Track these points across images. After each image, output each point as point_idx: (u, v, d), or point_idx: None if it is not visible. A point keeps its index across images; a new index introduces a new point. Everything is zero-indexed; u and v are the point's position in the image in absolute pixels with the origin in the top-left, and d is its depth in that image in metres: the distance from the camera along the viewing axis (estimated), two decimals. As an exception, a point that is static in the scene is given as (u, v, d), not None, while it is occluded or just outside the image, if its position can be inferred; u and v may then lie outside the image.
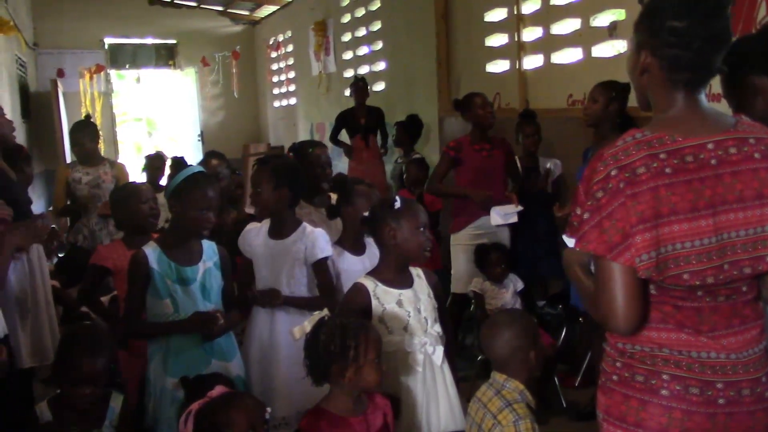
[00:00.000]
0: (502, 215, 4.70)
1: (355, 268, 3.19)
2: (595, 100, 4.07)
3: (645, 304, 1.74)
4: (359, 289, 2.64)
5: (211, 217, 2.83)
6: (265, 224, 3.18)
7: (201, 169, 2.95)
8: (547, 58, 5.56)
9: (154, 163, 6.16)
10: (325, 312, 2.31)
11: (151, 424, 2.85)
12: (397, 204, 2.64)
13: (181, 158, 3.01)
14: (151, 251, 2.83)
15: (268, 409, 2.09)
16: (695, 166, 1.68)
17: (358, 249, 3.29)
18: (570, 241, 1.85)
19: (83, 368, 2.46)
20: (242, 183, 5.20)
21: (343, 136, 7.54)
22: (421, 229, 2.63)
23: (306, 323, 2.28)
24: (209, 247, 2.95)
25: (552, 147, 5.18)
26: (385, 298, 2.60)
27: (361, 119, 7.23)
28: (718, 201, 1.68)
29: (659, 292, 1.75)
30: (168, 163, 6.12)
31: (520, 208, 4.71)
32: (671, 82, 1.77)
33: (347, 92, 8.47)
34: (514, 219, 4.70)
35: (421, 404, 2.61)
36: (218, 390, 2.13)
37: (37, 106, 9.85)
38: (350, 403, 2.25)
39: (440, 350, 2.65)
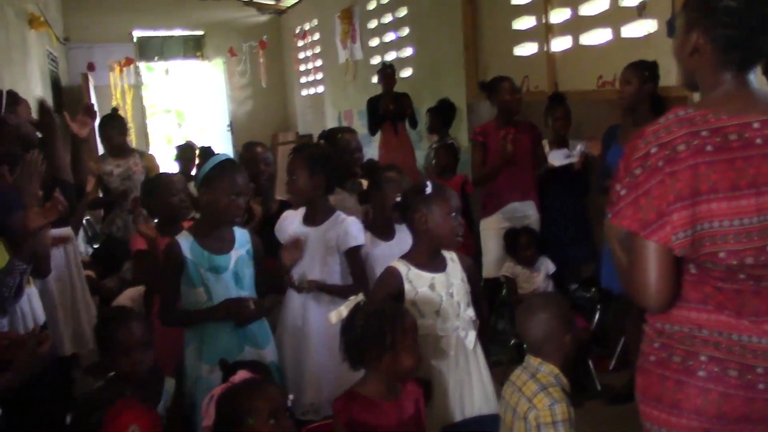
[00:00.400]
0: (563, 154, 4.68)
1: (383, 253, 3.20)
2: (628, 81, 4.02)
3: (676, 282, 1.74)
4: (392, 273, 2.64)
5: (242, 203, 2.85)
6: (301, 211, 3.20)
7: (229, 156, 2.97)
8: (576, 39, 5.49)
9: (185, 153, 6.22)
10: (361, 297, 2.31)
11: (188, 412, 2.90)
12: (428, 189, 2.63)
13: (209, 148, 3.04)
14: (184, 240, 2.86)
15: (290, 397, 2.10)
16: (739, 145, 1.66)
17: (388, 235, 3.30)
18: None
19: (121, 337, 2.50)
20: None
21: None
22: (453, 214, 2.63)
23: (343, 308, 2.29)
24: (242, 235, 2.97)
25: (581, 129, 5.13)
26: (417, 282, 2.61)
27: (389, 106, 7.21)
28: (762, 181, 1.66)
29: (699, 272, 1.74)
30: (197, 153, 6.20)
31: (576, 154, 4.70)
32: (722, 63, 1.75)
33: (374, 79, 8.46)
34: (575, 158, 4.69)
35: (454, 388, 2.62)
36: (241, 376, 2.14)
37: (69, 100, 9.96)
38: (384, 387, 2.26)
39: (473, 334, 2.65)
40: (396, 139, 7.22)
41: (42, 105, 3.78)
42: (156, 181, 3.70)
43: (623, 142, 4.05)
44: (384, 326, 2.20)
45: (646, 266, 1.70)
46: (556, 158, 4.72)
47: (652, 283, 1.70)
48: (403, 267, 2.64)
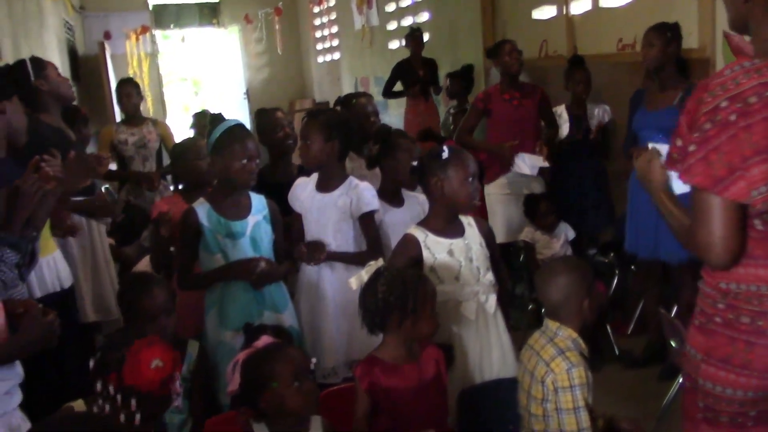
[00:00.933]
0: (529, 165, 4.68)
1: (395, 219, 3.19)
2: (650, 44, 3.95)
3: (743, 240, 1.71)
4: (409, 241, 2.64)
5: (254, 167, 2.86)
6: (313, 178, 3.19)
7: (238, 121, 2.97)
8: (596, 1, 5.40)
9: (201, 120, 6.22)
10: (381, 263, 2.32)
11: (209, 377, 2.93)
12: (445, 154, 2.62)
13: (219, 114, 3.02)
14: (201, 208, 2.87)
15: (313, 360, 2.12)
16: None
17: (397, 202, 3.29)
18: (673, 176, 1.83)
19: (146, 303, 2.54)
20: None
21: (398, 87, 7.43)
22: (470, 179, 2.61)
23: (363, 273, 2.29)
24: (258, 201, 2.98)
25: (600, 93, 5.07)
26: (435, 249, 2.61)
27: (419, 71, 7.15)
28: None
29: (766, 227, 1.72)
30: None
31: (546, 164, 4.70)
32: None
33: (391, 45, 8.40)
34: (536, 172, 4.71)
35: (474, 353, 2.64)
36: (264, 340, 2.16)
37: (86, 69, 9.98)
38: (403, 351, 2.27)
39: (493, 299, 2.66)
40: (424, 105, 7.17)
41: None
42: (184, 146, 3.71)
43: (649, 106, 4.01)
44: (405, 292, 2.21)
45: (713, 223, 1.68)
46: (522, 164, 4.71)
47: (720, 241, 1.68)
48: (420, 234, 2.63)
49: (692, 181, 1.70)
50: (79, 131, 4.32)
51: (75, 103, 4.38)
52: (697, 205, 1.71)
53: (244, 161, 2.81)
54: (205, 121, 6.15)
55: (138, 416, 1.80)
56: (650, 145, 2.03)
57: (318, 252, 3.00)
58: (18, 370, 2.02)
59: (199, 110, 6.60)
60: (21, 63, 3.59)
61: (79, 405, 1.88)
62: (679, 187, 1.89)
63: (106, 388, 1.81)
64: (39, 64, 3.56)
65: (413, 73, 7.15)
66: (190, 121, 6.37)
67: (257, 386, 2.04)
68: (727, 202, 1.65)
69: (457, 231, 2.68)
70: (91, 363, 1.90)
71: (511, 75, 4.86)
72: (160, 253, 3.43)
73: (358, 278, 2.30)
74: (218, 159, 2.85)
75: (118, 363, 1.83)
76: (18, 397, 2.03)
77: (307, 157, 3.09)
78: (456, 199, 2.62)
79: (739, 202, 1.65)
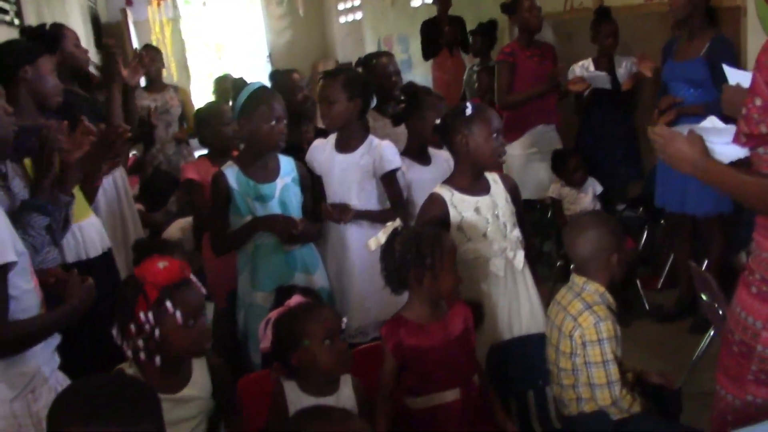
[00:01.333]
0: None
1: (422, 177, 3.18)
2: (678, -7, 3.85)
3: None
4: (435, 199, 2.63)
5: (282, 129, 2.85)
6: (331, 139, 3.17)
7: (262, 83, 2.95)
8: (622, -50, 5.26)
9: (223, 85, 6.21)
10: (398, 222, 2.32)
11: (243, 339, 2.97)
12: (469, 110, 2.59)
13: (241, 79, 3.01)
14: (230, 171, 2.88)
15: (344, 319, 2.13)
16: None
17: (424, 160, 3.27)
18: (722, 142, 1.76)
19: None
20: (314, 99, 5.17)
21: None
22: (494, 135, 2.59)
23: (381, 234, 2.30)
24: (287, 163, 2.98)
25: (627, 46, 4.97)
26: (462, 206, 2.60)
27: (445, 28, 7.07)
28: None
29: None
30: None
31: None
32: None
33: (414, 3, 8.28)
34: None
35: (503, 309, 2.64)
36: (296, 300, 2.18)
37: (109, 36, 9.98)
38: (428, 310, 2.27)
39: (521, 254, 2.65)
40: (451, 61, 7.09)
41: (108, 52, 3.80)
42: (208, 111, 3.71)
43: (677, 57, 3.93)
44: (422, 249, 2.21)
45: None
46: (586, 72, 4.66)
47: None
48: (446, 192, 2.62)
49: None
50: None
51: (93, 70, 4.38)
52: None
53: (273, 123, 2.81)
54: (227, 85, 6.16)
55: (178, 313, 1.82)
56: (686, 129, 1.94)
57: (344, 213, 3.01)
58: (53, 339, 2.05)
59: (220, 75, 6.58)
60: (39, 29, 3.56)
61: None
62: (733, 153, 1.81)
63: (137, 321, 1.83)
64: (55, 35, 3.54)
65: (438, 31, 7.06)
66: (212, 87, 6.37)
67: (289, 344, 2.06)
68: None
69: (483, 188, 2.66)
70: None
71: (531, 31, 4.82)
72: (199, 220, 3.47)
73: (375, 240, 2.30)
74: (246, 122, 2.84)
75: (136, 286, 1.84)
76: (57, 359, 2.07)
77: (330, 118, 3.07)
78: (481, 156, 2.60)
79: None
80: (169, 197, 4.44)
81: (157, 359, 1.86)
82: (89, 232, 2.92)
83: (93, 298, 2.04)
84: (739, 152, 1.81)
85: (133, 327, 1.83)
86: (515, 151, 4.85)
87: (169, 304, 1.82)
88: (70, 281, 2.05)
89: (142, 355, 1.86)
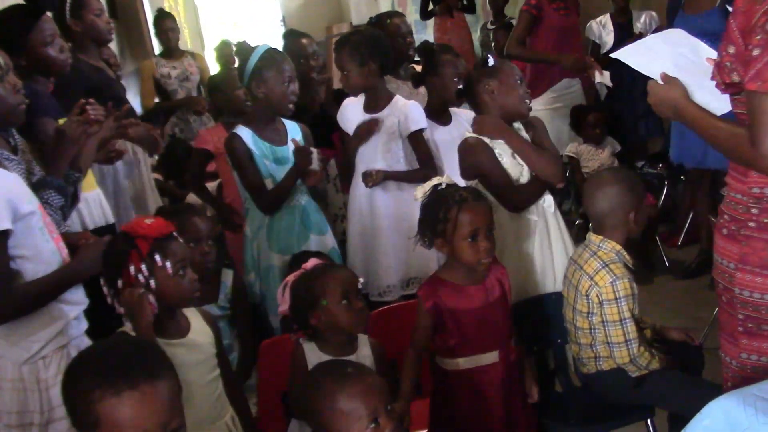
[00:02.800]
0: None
1: (443, 137, 3.17)
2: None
3: None
4: (479, 143, 2.60)
5: (295, 90, 2.86)
6: (360, 99, 3.17)
7: (269, 46, 2.94)
8: None
9: (225, 49, 6.16)
10: (445, 179, 2.26)
11: (258, 301, 3.00)
12: (491, 62, 2.63)
13: (244, 42, 2.99)
14: (245, 133, 2.88)
15: (361, 280, 2.15)
16: None
17: (445, 119, 3.25)
18: (711, 93, 1.74)
19: (186, 228, 2.54)
20: (326, 63, 5.13)
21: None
22: (519, 82, 2.61)
23: (427, 185, 2.24)
24: (293, 127, 2.99)
25: (647, -1, 4.89)
26: (501, 150, 2.61)
27: None
28: None
29: None
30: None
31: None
32: None
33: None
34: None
35: (537, 255, 2.66)
36: (312, 262, 2.20)
37: (122, 4, 9.95)
38: (466, 272, 2.21)
39: (550, 199, 2.67)
40: (451, 22, 7.01)
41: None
42: (220, 77, 3.74)
43: (688, 9, 3.83)
44: (447, 211, 2.16)
45: None
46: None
47: None
48: (485, 139, 2.61)
49: (765, 87, 1.57)
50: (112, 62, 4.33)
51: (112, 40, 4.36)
52: (760, 109, 1.59)
53: (286, 84, 2.81)
54: (230, 50, 6.12)
55: (168, 264, 1.86)
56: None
57: (372, 177, 3.03)
58: (84, 297, 2.09)
59: (221, 41, 6.54)
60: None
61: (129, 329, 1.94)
62: (720, 105, 1.79)
63: (127, 275, 1.85)
64: (78, 3, 3.52)
65: None
66: (214, 53, 6.32)
67: (307, 305, 2.08)
68: None
69: None
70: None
71: None
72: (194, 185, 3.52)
73: (421, 189, 2.25)
74: (260, 85, 2.83)
75: (127, 241, 1.87)
76: (85, 323, 2.10)
77: (349, 87, 3.10)
78: (508, 103, 2.62)
79: None
80: (185, 165, 4.44)
81: (156, 307, 1.89)
82: (94, 205, 2.94)
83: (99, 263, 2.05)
84: (723, 106, 1.79)
85: (120, 283, 1.86)
86: (538, 106, 4.77)
87: (158, 256, 1.86)
88: (84, 243, 2.08)
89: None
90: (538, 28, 4.70)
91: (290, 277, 2.21)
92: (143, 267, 1.85)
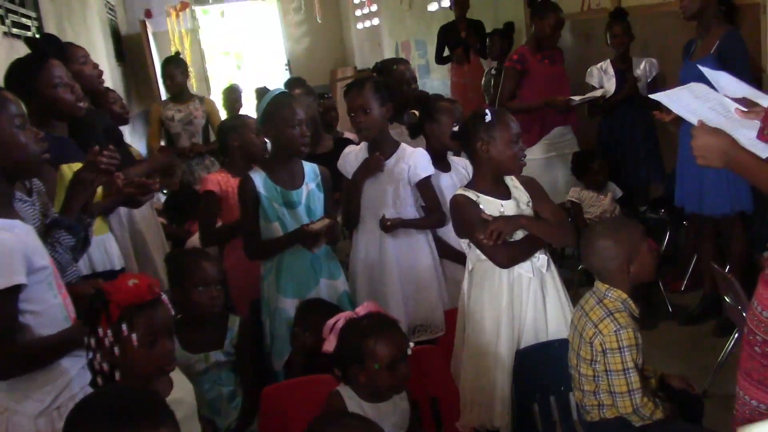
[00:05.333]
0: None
1: (445, 183, 3.19)
2: (690, -10, 3.82)
3: None
4: (467, 199, 2.59)
5: (306, 131, 2.88)
6: (363, 146, 3.19)
7: (282, 89, 2.99)
8: (638, -50, 5.23)
9: (231, 95, 6.25)
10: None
11: (269, 343, 2.99)
12: (489, 116, 2.59)
13: (264, 87, 3.05)
14: (257, 176, 2.91)
15: (411, 344, 2.12)
16: None
17: (444, 166, 3.28)
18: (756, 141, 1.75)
19: (196, 273, 2.61)
20: (334, 106, 5.18)
21: (446, 52, 7.34)
22: (514, 140, 2.58)
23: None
24: (311, 169, 3.01)
25: (647, 46, 4.95)
26: (488, 208, 2.58)
27: (461, 32, 7.06)
28: None
29: None
30: (243, 94, 6.26)
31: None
32: None
33: (431, 7, 8.28)
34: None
35: (529, 313, 2.61)
36: (366, 308, 2.14)
37: (129, 48, 10.08)
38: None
39: (544, 258, 2.62)
40: (468, 66, 7.07)
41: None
42: (236, 120, 3.73)
43: (694, 56, 3.88)
44: None
45: None
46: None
47: None
48: (471, 195, 2.61)
49: None
50: (112, 111, 4.36)
51: (108, 85, 4.41)
52: None
53: (296, 127, 2.84)
54: (236, 95, 6.21)
55: (134, 336, 1.76)
56: (697, 121, 1.92)
57: (394, 225, 3.02)
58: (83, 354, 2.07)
59: (226, 86, 6.63)
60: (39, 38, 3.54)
61: None
62: (759, 154, 1.79)
63: (97, 334, 1.79)
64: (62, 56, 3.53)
65: (456, 36, 7.05)
66: (221, 98, 6.41)
67: (355, 358, 2.05)
68: None
69: (505, 192, 2.65)
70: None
71: (544, 44, 4.89)
72: (207, 229, 3.48)
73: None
74: (271, 128, 2.88)
75: (102, 302, 1.80)
76: (88, 375, 2.09)
77: (368, 127, 3.05)
78: (502, 161, 2.59)
79: None
80: (190, 210, 4.46)
81: (116, 374, 1.81)
82: (99, 250, 2.96)
83: None
84: (764, 150, 1.79)
85: (92, 341, 1.80)
86: (534, 155, 4.84)
87: (124, 326, 1.76)
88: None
89: (105, 367, 1.80)
90: (526, 81, 4.87)
91: (341, 318, 2.15)
92: (109, 332, 1.77)
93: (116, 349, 1.77)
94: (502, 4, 7.18)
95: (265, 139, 3.54)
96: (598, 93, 4.67)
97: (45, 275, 1.93)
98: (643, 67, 4.77)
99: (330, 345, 2.13)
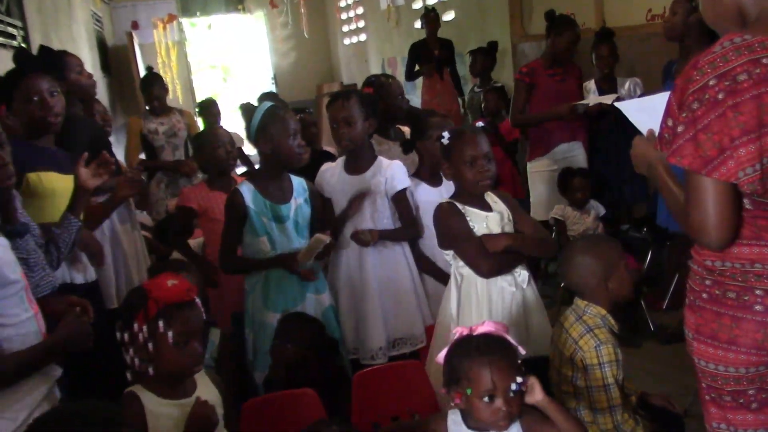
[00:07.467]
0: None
1: (433, 198, 3.18)
2: (674, 12, 3.89)
3: (738, 220, 1.67)
4: (453, 207, 2.59)
5: (301, 143, 2.88)
6: (339, 162, 3.19)
7: (272, 103, 2.99)
8: (623, -29, 5.31)
9: (212, 109, 6.21)
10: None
11: (251, 357, 2.97)
12: (445, 139, 2.60)
13: (248, 104, 3.06)
14: (246, 189, 2.90)
15: (519, 379, 1.86)
16: None
17: (435, 181, 3.28)
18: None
19: None
20: (315, 121, 5.17)
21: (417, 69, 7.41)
22: (470, 162, 2.54)
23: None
24: (299, 184, 3.00)
25: (632, 66, 5.00)
26: (474, 219, 2.59)
27: (434, 51, 7.12)
28: None
29: (754, 206, 1.67)
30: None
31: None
32: None
33: (418, 24, 8.32)
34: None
35: (510, 326, 2.60)
36: (486, 328, 1.92)
37: (115, 60, 10.07)
38: None
39: (525, 274, 2.62)
40: (441, 84, 7.14)
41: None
42: (202, 136, 3.76)
43: (676, 78, 3.92)
44: None
45: (706, 205, 1.62)
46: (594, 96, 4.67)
47: (714, 222, 1.62)
48: (458, 205, 2.61)
49: (681, 163, 1.64)
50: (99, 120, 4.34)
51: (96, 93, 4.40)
52: (689, 186, 1.66)
53: (291, 139, 2.84)
54: (216, 109, 6.18)
55: (170, 334, 1.84)
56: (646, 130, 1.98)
57: (372, 236, 3.01)
58: (54, 372, 2.03)
59: (204, 99, 6.59)
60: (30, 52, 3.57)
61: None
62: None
63: (132, 330, 1.85)
64: (60, 64, 3.52)
65: (429, 53, 7.12)
66: (197, 110, 6.38)
67: (452, 378, 1.91)
68: (718, 183, 1.60)
69: (485, 206, 2.66)
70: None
71: (558, 59, 4.79)
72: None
73: None
74: (266, 142, 2.86)
75: (141, 298, 1.86)
76: (58, 393, 2.06)
77: (351, 139, 3.05)
78: (462, 183, 2.60)
79: (728, 183, 1.60)
80: (175, 226, 4.42)
81: (150, 369, 1.88)
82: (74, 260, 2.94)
83: (85, 333, 2.01)
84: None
85: (127, 336, 1.87)
86: (539, 167, 4.86)
87: (161, 323, 1.83)
88: (64, 321, 2.02)
89: (137, 362, 1.88)
90: (535, 95, 4.81)
91: (456, 336, 1.96)
92: (145, 328, 1.84)
93: (150, 345, 1.83)
94: (489, 22, 7.24)
95: (234, 151, 3.62)
96: (608, 99, 4.63)
97: (16, 289, 1.91)
98: (627, 87, 4.81)
99: (439, 360, 1.99)
